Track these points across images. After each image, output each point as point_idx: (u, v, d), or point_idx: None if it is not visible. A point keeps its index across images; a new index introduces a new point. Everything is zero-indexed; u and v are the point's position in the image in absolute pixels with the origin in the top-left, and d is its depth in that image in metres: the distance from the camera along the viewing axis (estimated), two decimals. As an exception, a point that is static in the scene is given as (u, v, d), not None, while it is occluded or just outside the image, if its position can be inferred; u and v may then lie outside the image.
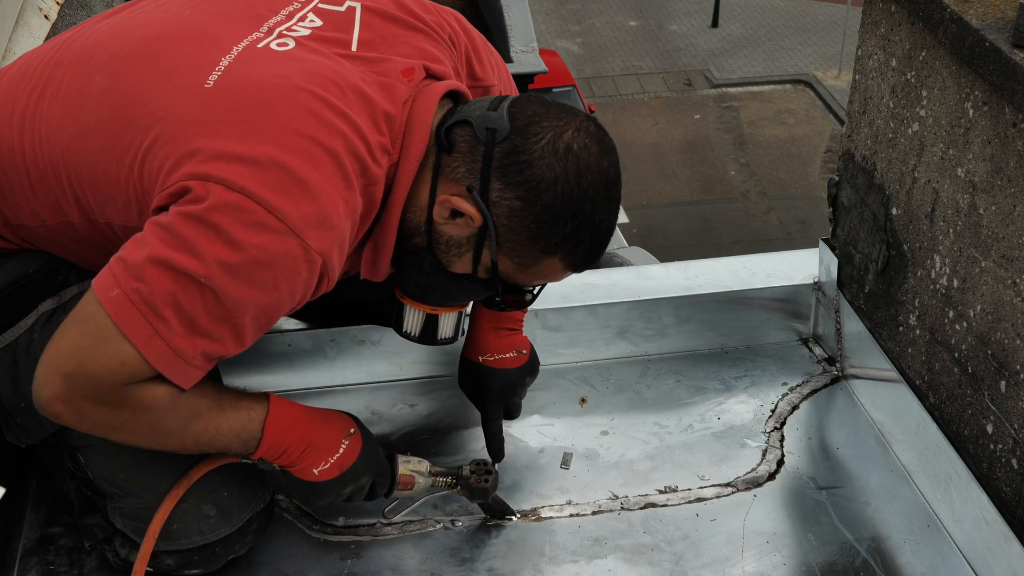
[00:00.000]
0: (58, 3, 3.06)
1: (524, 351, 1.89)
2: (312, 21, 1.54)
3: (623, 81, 17.73)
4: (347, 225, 1.42)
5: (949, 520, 1.76)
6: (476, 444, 1.94)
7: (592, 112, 8.39)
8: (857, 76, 2.00)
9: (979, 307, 1.67)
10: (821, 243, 2.17)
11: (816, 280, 2.19)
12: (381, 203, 1.50)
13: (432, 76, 1.56)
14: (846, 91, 7.94)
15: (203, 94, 1.39)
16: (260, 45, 1.47)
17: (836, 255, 2.11)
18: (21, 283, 1.58)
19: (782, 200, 14.55)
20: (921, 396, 1.85)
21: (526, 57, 4.41)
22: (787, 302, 2.21)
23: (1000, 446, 1.64)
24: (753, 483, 1.89)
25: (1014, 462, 1.61)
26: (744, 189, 14.93)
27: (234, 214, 1.32)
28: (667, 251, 11.05)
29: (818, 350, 2.21)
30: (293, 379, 2.07)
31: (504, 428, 1.89)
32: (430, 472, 1.71)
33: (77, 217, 1.49)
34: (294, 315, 2.00)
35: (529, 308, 1.82)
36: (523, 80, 4.25)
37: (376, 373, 2.12)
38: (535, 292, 1.67)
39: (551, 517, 1.82)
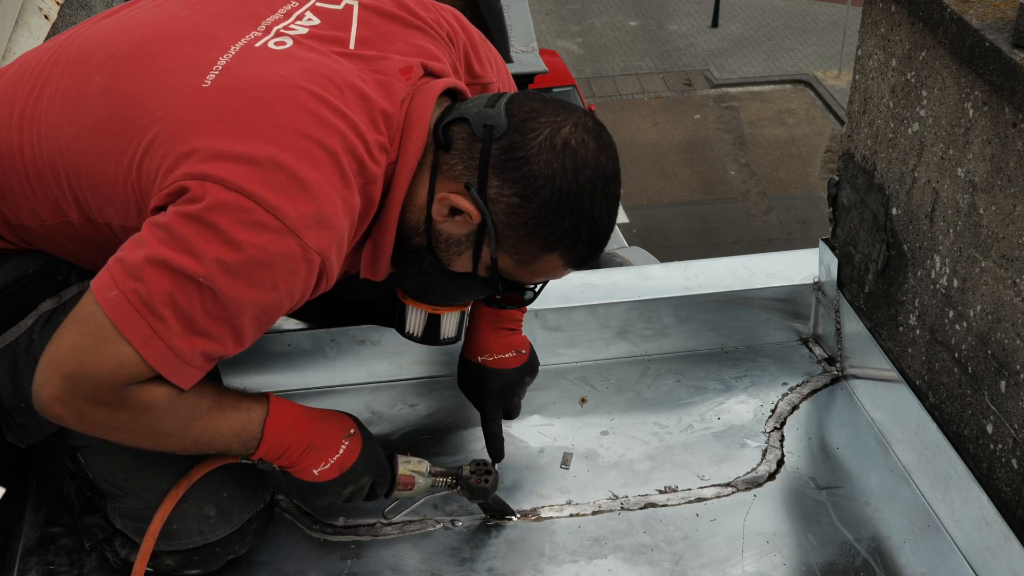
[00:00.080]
0: (58, 3, 3.06)
1: (523, 351, 1.89)
2: (310, 19, 1.54)
3: (623, 81, 17.73)
4: (345, 224, 1.42)
5: (949, 520, 1.76)
6: (476, 444, 1.94)
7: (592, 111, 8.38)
8: (857, 76, 2.00)
9: (979, 307, 1.66)
10: (821, 243, 2.17)
11: (816, 280, 2.19)
12: (380, 202, 1.50)
13: (430, 74, 1.56)
14: (846, 91, 7.94)
15: (201, 94, 1.39)
16: (258, 44, 1.47)
17: (836, 255, 2.11)
18: (21, 283, 1.58)
19: (782, 200, 14.55)
20: (921, 396, 1.85)
21: (526, 57, 4.41)
22: (787, 302, 2.21)
23: (1000, 446, 1.64)
24: (753, 483, 1.89)
25: (1014, 462, 1.61)
26: (744, 189, 14.93)
27: (232, 213, 1.32)
28: (667, 251, 11.05)
29: (818, 350, 2.21)
30: (293, 379, 2.07)
31: (504, 428, 1.89)
32: (430, 472, 1.71)
33: (76, 217, 1.49)
34: (294, 315, 2.00)
35: (529, 308, 1.82)
36: (523, 80, 4.25)
37: (376, 373, 2.12)
38: (536, 290, 1.67)
39: (551, 517, 1.82)
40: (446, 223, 1.52)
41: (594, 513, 1.83)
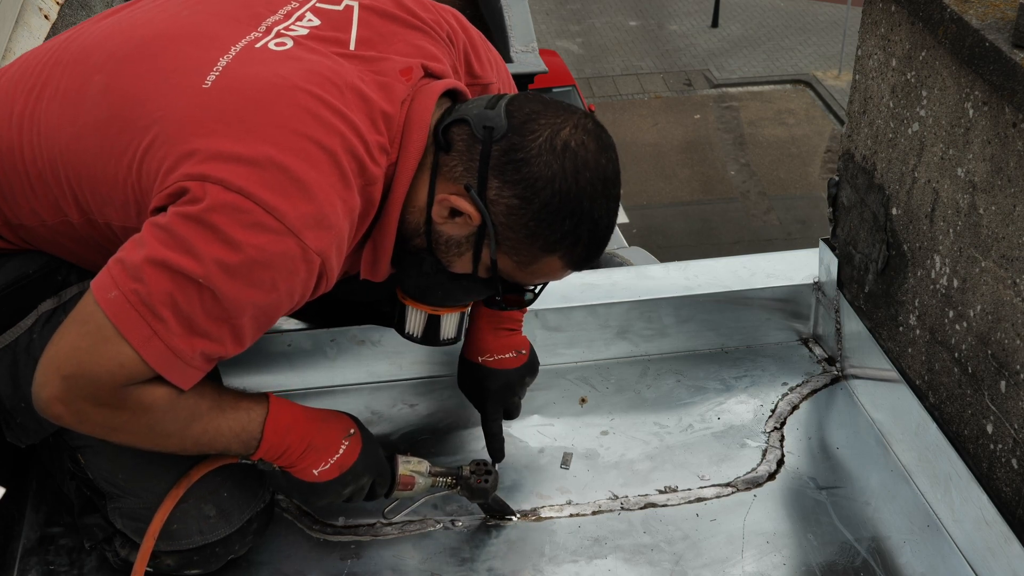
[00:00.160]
0: (58, 3, 3.06)
1: (523, 351, 1.89)
2: (310, 20, 1.54)
3: (623, 81, 17.73)
4: (345, 225, 1.42)
5: (949, 520, 1.76)
6: (476, 444, 1.94)
7: (592, 112, 8.39)
8: (857, 76, 2.00)
9: (979, 307, 1.66)
10: (821, 243, 2.17)
11: (816, 280, 2.19)
12: (380, 203, 1.50)
13: (430, 75, 1.56)
14: (846, 91, 7.94)
15: (201, 94, 1.39)
16: (258, 45, 1.47)
17: (836, 255, 2.11)
18: (21, 283, 1.58)
19: (782, 200, 14.55)
20: (921, 396, 1.85)
21: (526, 57, 4.42)
22: (787, 302, 2.21)
23: (1000, 446, 1.64)
24: (753, 483, 1.89)
25: (1014, 462, 1.61)
26: (744, 189, 14.93)
27: (232, 214, 1.32)
28: (667, 251, 11.05)
29: (818, 350, 2.21)
30: (293, 379, 2.07)
31: (504, 428, 1.89)
32: (430, 472, 1.71)
33: (76, 217, 1.49)
34: (294, 315, 2.00)
35: (529, 308, 1.82)
36: (523, 80, 4.25)
37: (376, 373, 2.12)
38: (536, 291, 1.67)
39: (551, 517, 1.82)
40: (446, 224, 1.52)
41: (594, 513, 1.83)
